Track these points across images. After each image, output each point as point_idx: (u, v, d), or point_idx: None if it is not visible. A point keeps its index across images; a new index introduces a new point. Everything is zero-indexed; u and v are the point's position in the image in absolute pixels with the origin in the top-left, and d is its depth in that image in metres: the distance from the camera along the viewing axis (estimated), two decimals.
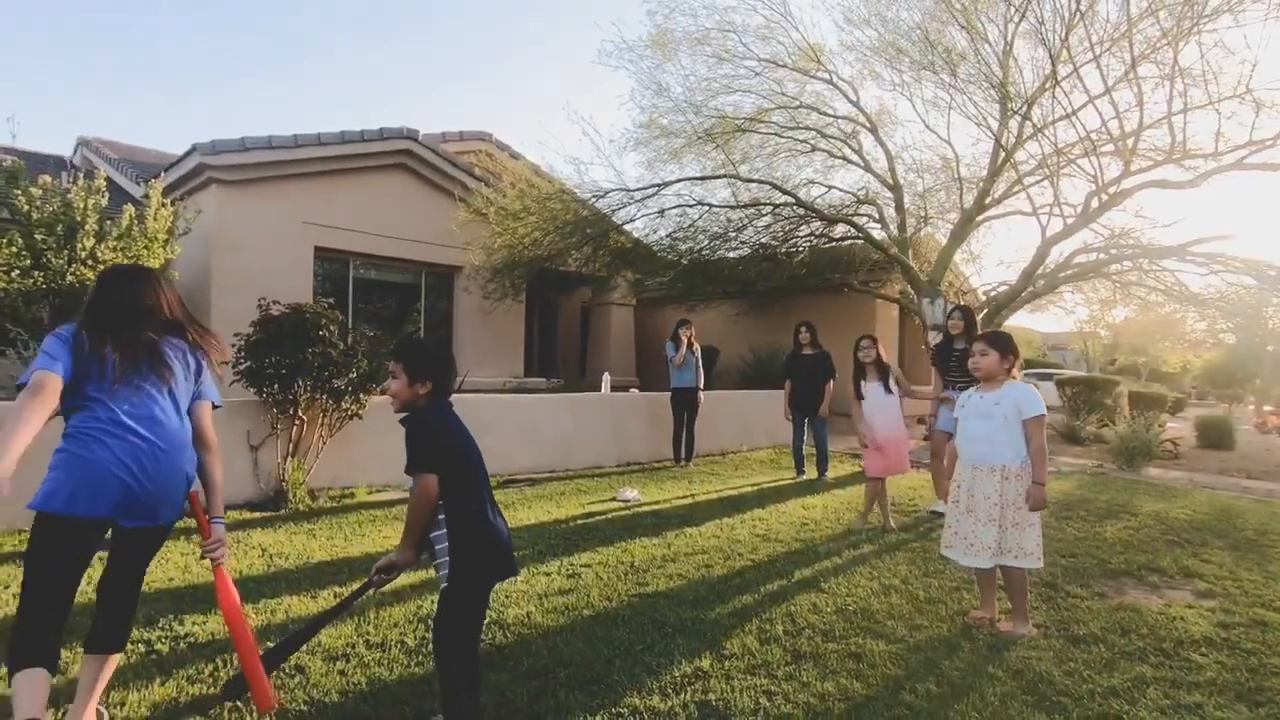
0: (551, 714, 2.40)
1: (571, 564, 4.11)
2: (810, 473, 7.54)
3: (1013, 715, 2.51)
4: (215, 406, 2.41)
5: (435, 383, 2.20)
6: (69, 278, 7.78)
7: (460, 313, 12.63)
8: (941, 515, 5.83)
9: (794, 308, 14.43)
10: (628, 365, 15.73)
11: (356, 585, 2.63)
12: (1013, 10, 8.58)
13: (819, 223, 11.72)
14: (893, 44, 10.64)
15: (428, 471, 2.07)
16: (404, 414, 2.20)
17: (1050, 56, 7.71)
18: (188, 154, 9.82)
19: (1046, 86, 8.34)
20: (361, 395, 5.57)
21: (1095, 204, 7.82)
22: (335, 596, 3.43)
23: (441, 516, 2.10)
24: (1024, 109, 8.62)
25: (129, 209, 8.54)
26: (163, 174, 9.88)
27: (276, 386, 5.15)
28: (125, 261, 8.25)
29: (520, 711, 2.41)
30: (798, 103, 11.13)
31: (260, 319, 5.28)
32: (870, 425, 5.48)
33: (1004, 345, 3.49)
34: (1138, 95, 6.98)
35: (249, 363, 5.17)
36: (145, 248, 8.46)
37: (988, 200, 10.10)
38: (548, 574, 3.91)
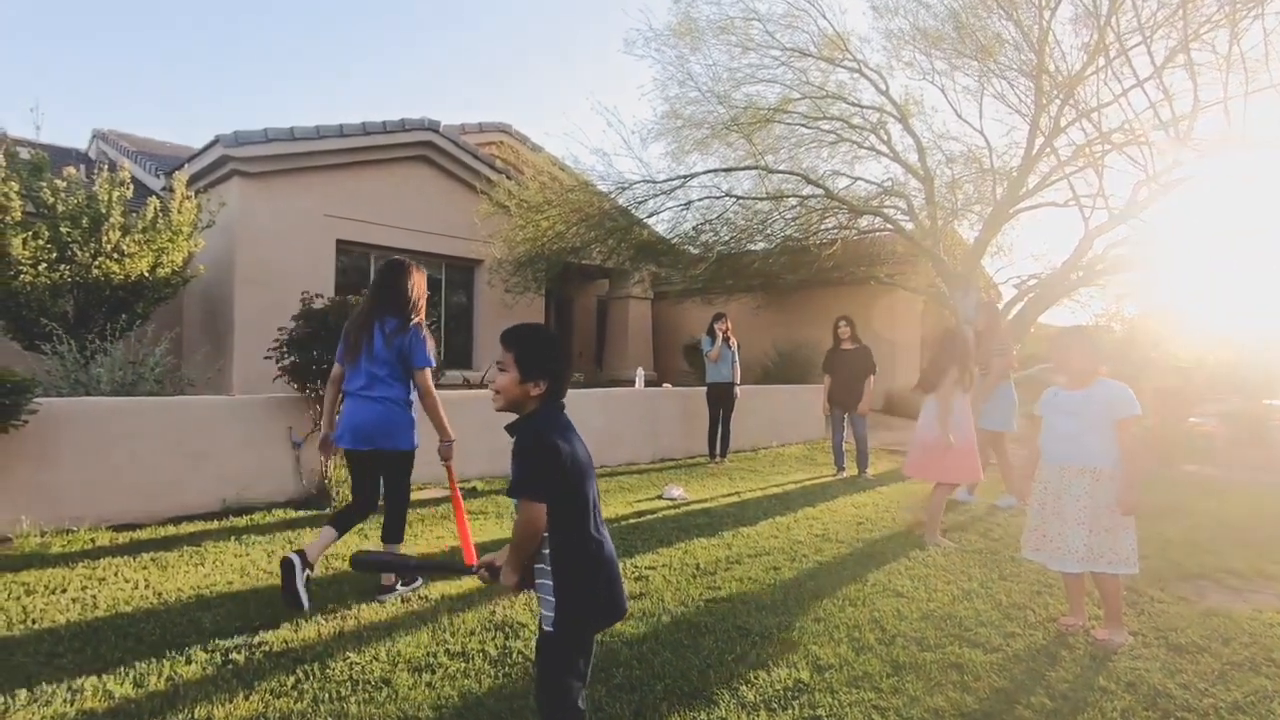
0: None
1: (636, 566, 3.98)
2: (850, 469, 7.40)
3: None
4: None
5: (551, 383, 1.82)
6: (94, 271, 7.67)
7: (480, 306, 12.50)
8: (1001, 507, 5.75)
9: (815, 301, 14.28)
10: (645, 360, 15.58)
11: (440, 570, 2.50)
12: None
13: (845, 214, 11.55)
14: (924, 31, 10.45)
15: (539, 498, 1.71)
16: (506, 414, 1.87)
17: (1098, 30, 7.48)
18: (210, 145, 9.67)
19: (1088, 73, 8.15)
20: None
21: (1144, 194, 7.62)
22: (403, 601, 3.30)
23: (546, 550, 1.75)
24: (1064, 94, 8.41)
25: (154, 201, 8.42)
26: (186, 165, 9.74)
27: (320, 382, 5.02)
28: (150, 254, 8.15)
29: None
30: (823, 92, 10.93)
31: (302, 312, 5.15)
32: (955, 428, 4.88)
33: (1094, 343, 3.34)
34: (1192, 75, 6.76)
35: (292, 358, 5.03)
36: (170, 240, 8.35)
37: (1022, 191, 9.90)
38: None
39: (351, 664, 2.63)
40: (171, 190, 8.92)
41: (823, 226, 11.87)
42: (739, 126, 10.94)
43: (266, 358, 5.11)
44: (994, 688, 2.66)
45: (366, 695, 2.41)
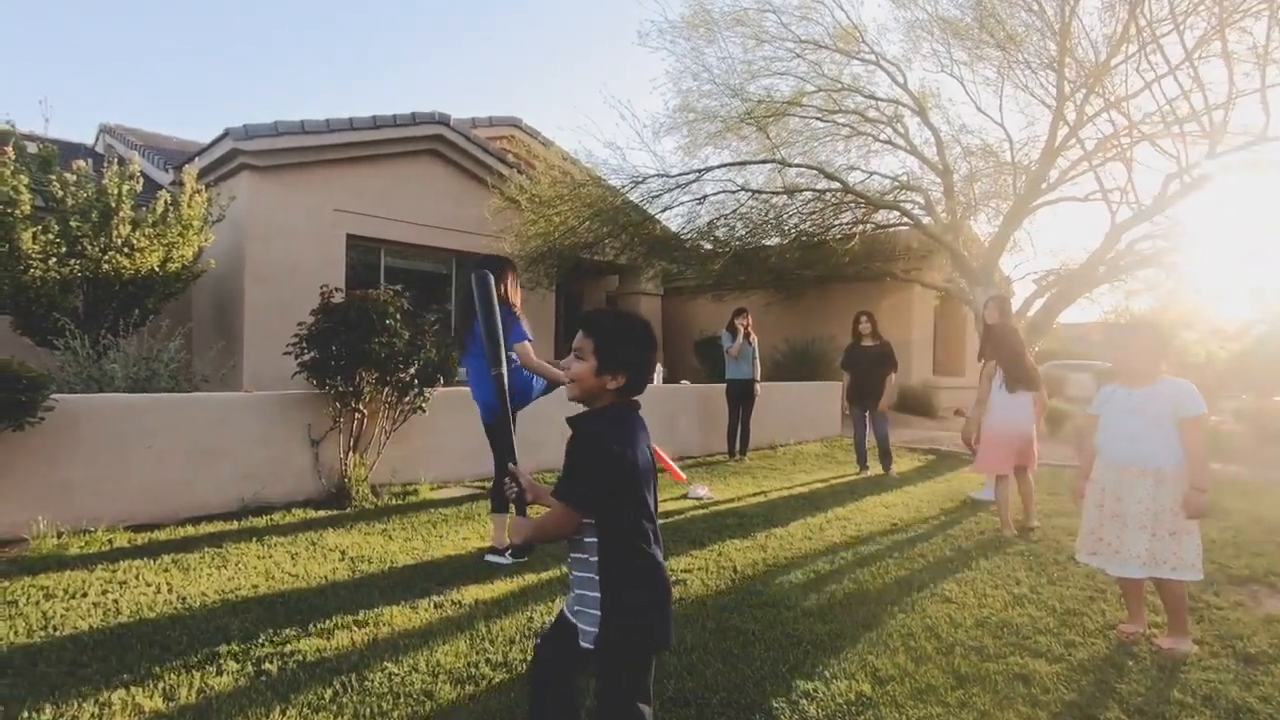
0: None
1: (671, 569, 3.84)
2: (874, 468, 7.26)
3: None
4: None
5: (631, 377, 1.63)
6: (105, 265, 7.55)
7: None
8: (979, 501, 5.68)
9: (828, 297, 14.11)
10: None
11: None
12: None
13: (861, 209, 11.40)
14: (945, 20, 10.27)
15: (581, 509, 1.55)
16: (576, 404, 1.69)
17: (1128, 14, 7.31)
18: (220, 139, 9.53)
19: (1115, 62, 7.98)
20: (426, 389, 5.30)
21: (1176, 187, 7.46)
22: (435, 606, 3.18)
23: (593, 558, 1.57)
24: (1090, 83, 8.25)
25: (164, 194, 8.30)
26: (196, 159, 9.61)
27: (340, 379, 4.89)
28: (160, 249, 8.03)
29: None
30: (839, 85, 10.77)
31: (322, 307, 5.01)
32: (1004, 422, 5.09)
33: (1159, 338, 3.20)
34: (1227, 62, 6.59)
35: (312, 353, 4.90)
36: (180, 235, 8.23)
37: (1044, 185, 9.74)
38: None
39: (390, 675, 2.50)
40: (181, 184, 8.81)
41: (838, 221, 11.72)
42: (753, 120, 10.78)
43: (286, 353, 4.98)
44: (1064, 701, 2.53)
45: (409, 710, 2.28)
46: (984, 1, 9.42)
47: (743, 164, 10.88)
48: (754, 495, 5.93)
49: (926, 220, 10.74)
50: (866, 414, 7.32)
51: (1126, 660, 2.90)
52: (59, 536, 3.88)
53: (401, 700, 2.34)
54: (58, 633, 2.78)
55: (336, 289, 5.29)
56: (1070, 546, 4.52)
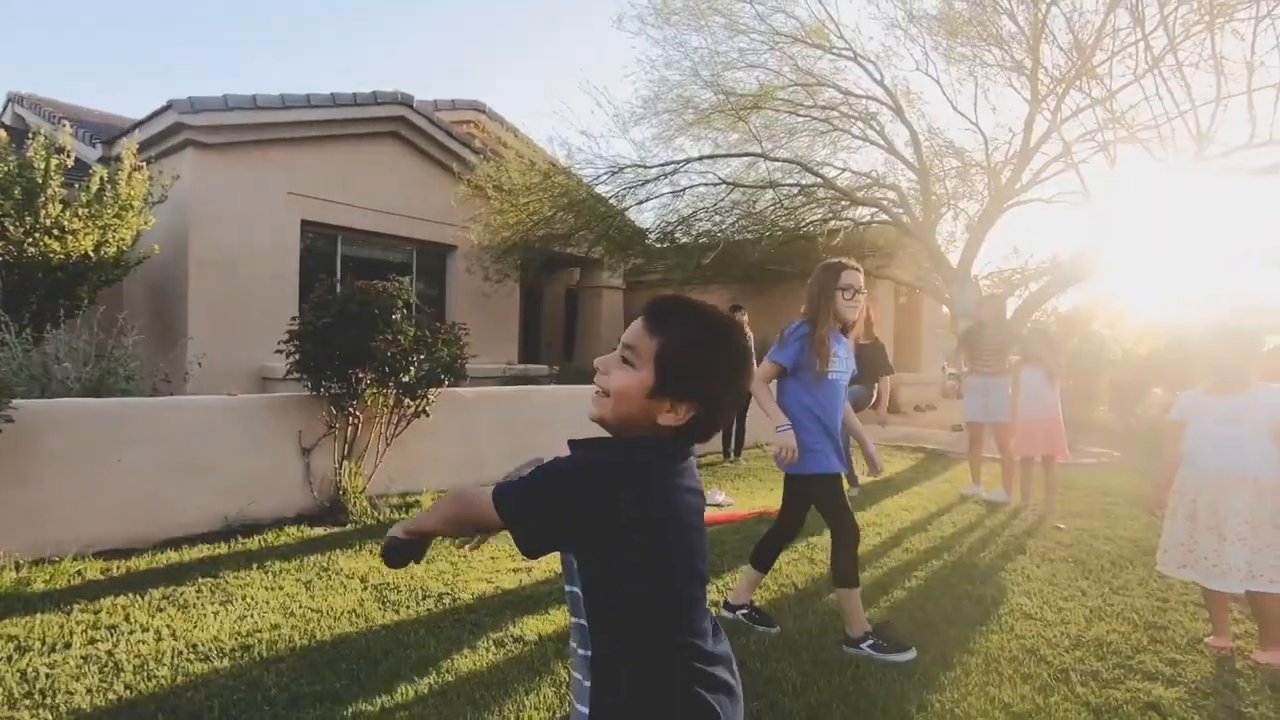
0: None
1: (727, 586, 3.55)
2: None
3: None
4: None
5: (703, 414, 1.04)
6: (29, 249, 6.70)
7: (454, 294, 11.75)
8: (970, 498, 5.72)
9: (795, 292, 14.08)
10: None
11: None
12: None
13: (835, 204, 11.36)
14: (920, 17, 10.31)
15: (521, 530, 0.99)
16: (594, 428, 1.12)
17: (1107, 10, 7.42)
18: (161, 111, 8.64)
19: (1097, 61, 8.13)
20: (431, 392, 4.82)
21: (1153, 188, 7.65)
22: (498, 645, 2.78)
23: (585, 653, 1.02)
24: (1068, 82, 8.39)
25: (99, 170, 7.45)
26: (135, 132, 8.68)
27: (336, 380, 4.38)
28: (95, 231, 7.20)
29: None
30: (814, 79, 10.69)
31: (317, 300, 4.48)
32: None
33: (1252, 343, 3.10)
34: (1217, 63, 6.75)
35: (306, 351, 4.36)
36: (117, 216, 7.40)
37: (1018, 185, 9.90)
38: (714, 604, 3.34)
39: None
40: (113, 160, 7.92)
41: (813, 217, 11.65)
42: (729, 112, 10.58)
43: (278, 351, 4.42)
44: None
45: None
46: (957, 3, 9.47)
47: (726, 156, 10.69)
48: (769, 500, 5.70)
49: (904, 218, 10.76)
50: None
51: (1236, 680, 2.79)
52: (18, 569, 3.28)
53: None
54: (49, 701, 2.26)
55: (336, 279, 4.73)
56: (1104, 550, 4.50)
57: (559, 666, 2.62)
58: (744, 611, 3.17)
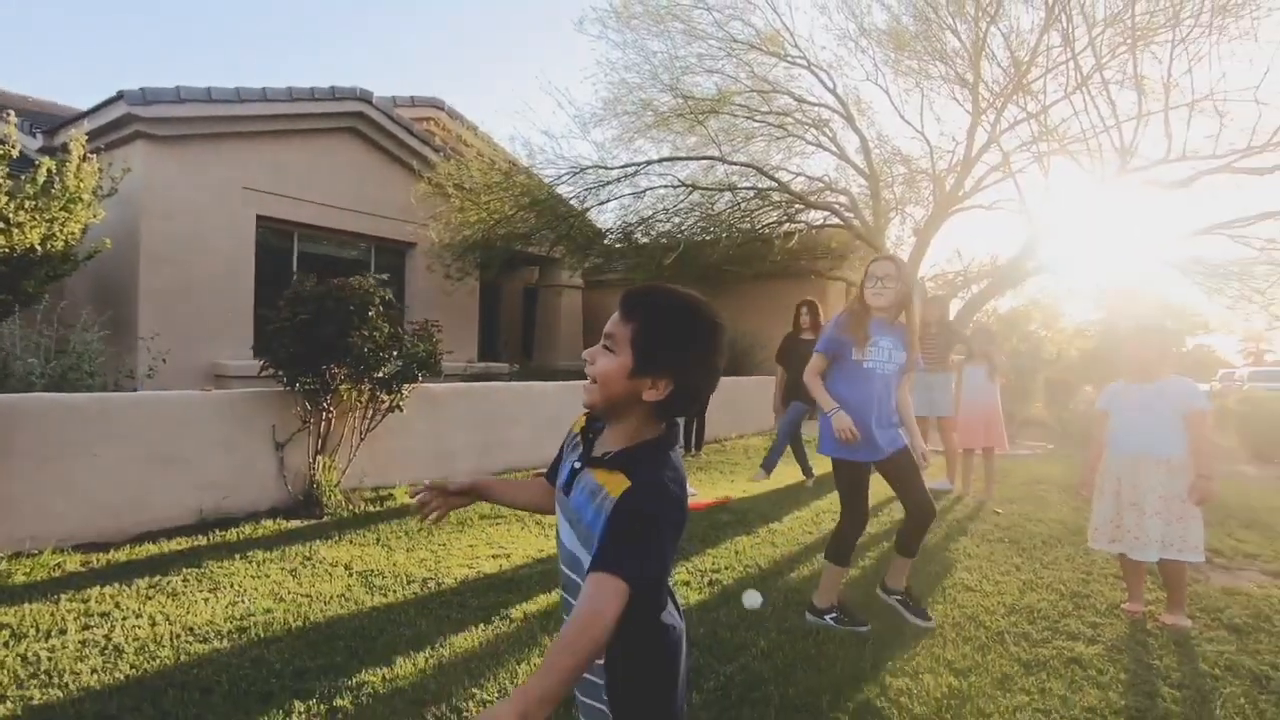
0: None
1: (700, 569, 3.79)
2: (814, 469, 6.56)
3: (1272, 717, 2.48)
4: None
5: (680, 388, 1.15)
6: None
7: (413, 292, 11.72)
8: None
9: (753, 293, 14.44)
10: (575, 349, 15.25)
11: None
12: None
13: (789, 208, 11.76)
14: (870, 30, 10.78)
15: (644, 589, 1.01)
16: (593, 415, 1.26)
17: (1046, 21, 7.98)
18: (110, 102, 8.44)
19: (1031, 78, 8.68)
20: (405, 387, 4.93)
21: (1083, 197, 8.24)
22: (487, 624, 2.95)
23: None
24: (1006, 97, 8.94)
25: (46, 161, 7.25)
26: (84, 122, 8.44)
27: (311, 375, 4.45)
28: (42, 224, 7.01)
29: None
30: (770, 86, 11.05)
31: (292, 296, 4.54)
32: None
33: (1166, 340, 3.48)
34: (1138, 82, 7.33)
35: (284, 347, 4.42)
36: (64, 209, 7.22)
37: (960, 194, 10.45)
38: (685, 583, 3.57)
39: (483, 702, 2.30)
40: (63, 150, 7.70)
41: (768, 220, 12.02)
42: (688, 115, 10.85)
43: (269, 347, 4.46)
44: (1121, 681, 2.71)
45: None
46: (900, 17, 9.96)
47: (685, 159, 10.95)
48: (730, 490, 5.98)
49: (855, 222, 11.22)
50: (805, 414, 6.42)
51: (1146, 638, 3.15)
52: None
53: None
54: (55, 681, 2.34)
55: (310, 276, 4.78)
56: (1035, 531, 4.90)
57: (545, 639, 2.81)
58: (832, 616, 3.10)
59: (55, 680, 2.33)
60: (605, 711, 1.17)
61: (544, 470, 1.43)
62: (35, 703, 2.20)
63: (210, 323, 8.66)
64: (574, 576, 1.20)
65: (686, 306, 1.17)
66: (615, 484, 1.10)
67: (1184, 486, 3.27)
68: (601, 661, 1.14)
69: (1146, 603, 3.54)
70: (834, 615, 3.11)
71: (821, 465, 6.14)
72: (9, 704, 2.18)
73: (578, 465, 1.22)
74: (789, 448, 6.43)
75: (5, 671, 2.38)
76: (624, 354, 1.14)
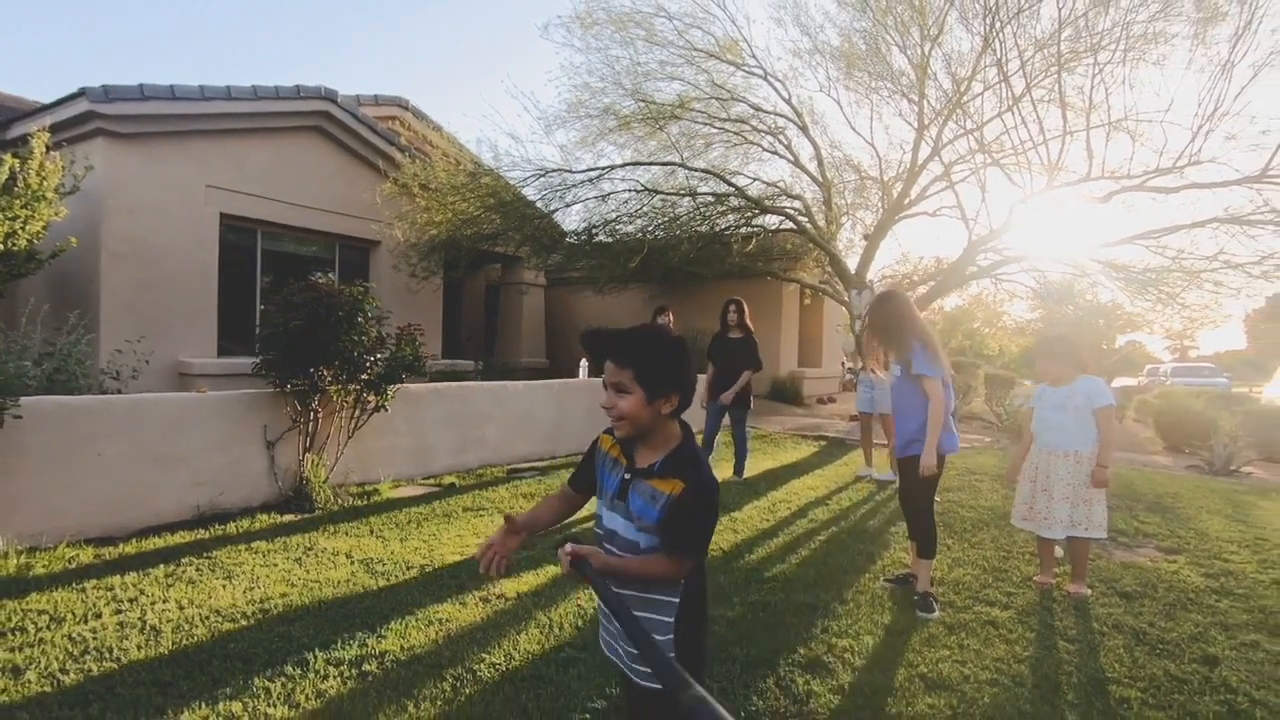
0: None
1: None
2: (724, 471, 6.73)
3: (1143, 663, 3.03)
4: None
5: (683, 394, 1.54)
6: None
7: (377, 290, 11.83)
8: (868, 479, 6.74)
9: (707, 292, 14.95)
10: (538, 347, 15.57)
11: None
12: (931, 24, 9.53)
13: (745, 211, 12.27)
14: (822, 46, 11.35)
15: (700, 558, 1.55)
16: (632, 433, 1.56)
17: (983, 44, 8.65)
18: (71, 98, 8.40)
19: (967, 98, 9.34)
20: (390, 386, 5.21)
21: (1019, 209, 8.98)
22: (484, 602, 3.32)
23: (672, 599, 1.53)
24: (948, 113, 9.60)
25: (9, 159, 7.23)
26: (46, 118, 8.36)
27: (302, 378, 4.71)
28: (5, 222, 7.01)
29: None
30: (728, 94, 11.51)
31: (282, 301, 4.78)
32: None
33: (1075, 348, 4.04)
34: (1062, 103, 8.04)
35: (274, 352, 4.67)
36: (27, 207, 7.22)
37: (906, 201, 11.11)
38: None
39: (493, 666, 2.67)
40: (22, 143, 7.64)
41: (724, 222, 12.51)
42: (649, 119, 11.24)
43: (259, 346, 4.69)
44: (1027, 639, 3.23)
45: (536, 692, 2.48)
46: (851, 34, 10.55)
47: (648, 164, 11.33)
48: None
49: (809, 226, 11.79)
50: (725, 410, 6.59)
51: (1052, 604, 3.70)
52: (18, 555, 3.49)
53: (523, 684, 2.53)
54: (106, 656, 2.62)
55: (299, 282, 5.02)
56: (966, 515, 5.47)
57: (540, 614, 3.19)
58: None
59: (106, 655, 2.62)
60: (670, 623, 1.52)
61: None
62: (94, 674, 2.49)
63: (174, 321, 8.73)
64: (612, 549, 1.58)
65: (659, 338, 1.55)
66: (671, 486, 1.48)
67: (1088, 475, 3.83)
68: (676, 600, 1.52)
69: (1055, 575, 4.11)
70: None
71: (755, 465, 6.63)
72: (71, 675, 2.46)
73: (627, 476, 1.56)
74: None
75: (57, 650, 2.65)
76: (635, 391, 1.49)
